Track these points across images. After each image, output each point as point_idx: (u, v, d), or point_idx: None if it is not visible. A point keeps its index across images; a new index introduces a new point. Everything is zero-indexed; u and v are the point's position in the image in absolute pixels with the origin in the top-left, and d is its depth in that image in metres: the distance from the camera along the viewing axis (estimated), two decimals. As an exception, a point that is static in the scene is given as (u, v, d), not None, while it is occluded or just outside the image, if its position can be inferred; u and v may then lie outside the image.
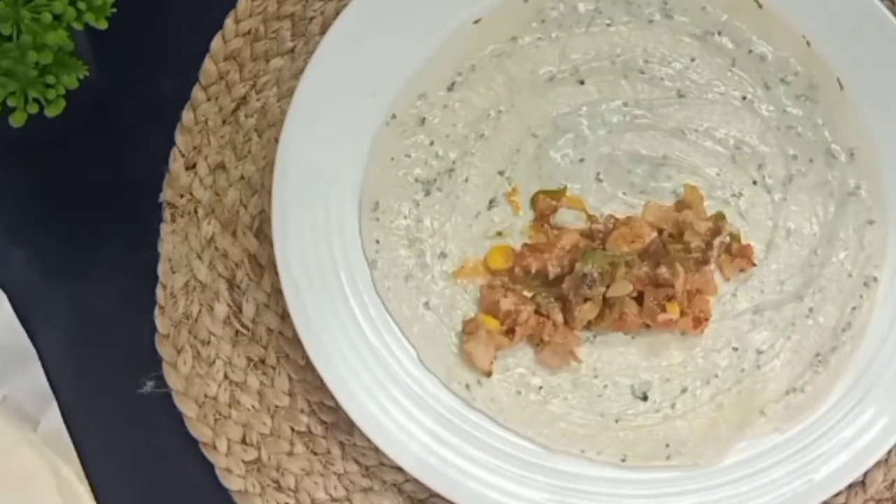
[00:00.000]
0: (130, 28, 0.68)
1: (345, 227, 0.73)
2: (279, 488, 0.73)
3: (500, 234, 0.74)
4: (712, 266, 0.73)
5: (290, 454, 0.74)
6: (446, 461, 0.71)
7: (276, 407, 0.74)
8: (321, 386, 0.71)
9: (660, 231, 0.74)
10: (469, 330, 0.72)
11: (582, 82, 0.76)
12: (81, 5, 0.63)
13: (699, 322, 0.72)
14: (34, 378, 0.73)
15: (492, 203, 0.75)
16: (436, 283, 0.74)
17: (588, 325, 0.72)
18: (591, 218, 0.74)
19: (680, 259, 0.72)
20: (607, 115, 0.76)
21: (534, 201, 0.75)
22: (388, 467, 0.73)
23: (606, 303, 0.72)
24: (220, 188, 0.76)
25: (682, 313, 0.72)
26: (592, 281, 0.71)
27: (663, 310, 0.72)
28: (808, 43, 0.76)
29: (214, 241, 0.75)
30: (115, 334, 0.74)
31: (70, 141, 0.75)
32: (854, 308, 0.74)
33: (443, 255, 0.74)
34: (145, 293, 0.75)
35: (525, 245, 0.74)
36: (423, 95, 0.75)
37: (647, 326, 0.73)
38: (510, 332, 0.72)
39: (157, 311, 0.74)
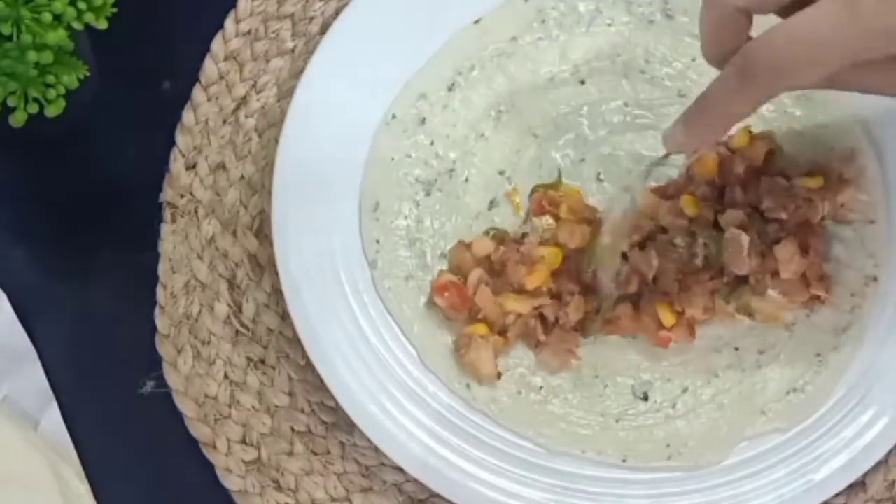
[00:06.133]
0: (130, 28, 0.68)
1: (345, 227, 0.73)
2: (279, 488, 0.73)
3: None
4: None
5: (290, 454, 0.74)
6: (447, 461, 0.71)
7: (276, 407, 0.74)
8: (321, 386, 0.71)
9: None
10: (462, 343, 0.72)
11: (582, 82, 0.76)
12: (81, 5, 0.63)
13: (692, 329, 0.72)
14: (34, 378, 0.73)
15: (492, 203, 0.74)
16: (437, 283, 0.74)
17: (582, 332, 0.72)
18: (587, 209, 0.74)
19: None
20: (608, 114, 0.75)
21: (532, 196, 0.74)
22: (388, 467, 0.73)
23: (593, 307, 0.72)
24: (221, 188, 0.76)
25: (679, 315, 0.72)
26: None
27: (659, 324, 0.71)
28: (808, 43, 0.76)
29: (215, 241, 0.75)
30: (115, 334, 0.74)
31: (70, 141, 0.75)
32: (854, 308, 0.74)
33: (444, 255, 0.74)
34: (145, 293, 0.74)
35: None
36: (423, 95, 0.75)
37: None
38: (503, 332, 0.72)
39: (157, 311, 0.74)
